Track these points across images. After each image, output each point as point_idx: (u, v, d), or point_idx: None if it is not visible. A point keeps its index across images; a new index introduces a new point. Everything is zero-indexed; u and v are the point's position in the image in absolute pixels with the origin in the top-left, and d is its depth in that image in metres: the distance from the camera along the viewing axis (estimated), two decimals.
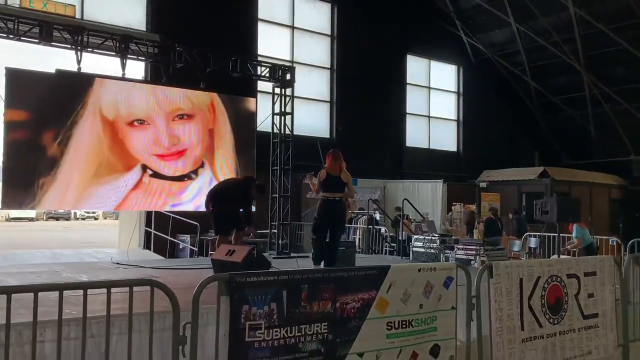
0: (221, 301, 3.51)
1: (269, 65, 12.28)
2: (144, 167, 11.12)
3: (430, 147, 22.37)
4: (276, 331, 3.69)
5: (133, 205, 11.48)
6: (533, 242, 12.34)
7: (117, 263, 9.25)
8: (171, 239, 14.04)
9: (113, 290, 3.48)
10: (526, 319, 5.03)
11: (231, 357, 3.50)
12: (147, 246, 14.32)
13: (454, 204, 18.33)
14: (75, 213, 49.11)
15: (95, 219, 52.15)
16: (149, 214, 14.11)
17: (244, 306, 3.56)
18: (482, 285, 4.81)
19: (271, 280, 3.72)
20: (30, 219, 44.85)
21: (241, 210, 8.68)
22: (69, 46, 9.42)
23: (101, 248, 15.85)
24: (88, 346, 3.49)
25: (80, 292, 3.36)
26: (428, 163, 21.45)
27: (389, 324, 4.23)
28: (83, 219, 51.44)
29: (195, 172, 11.85)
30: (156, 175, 11.29)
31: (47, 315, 3.54)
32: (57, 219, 48.05)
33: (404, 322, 4.30)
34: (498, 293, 4.84)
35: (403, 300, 4.31)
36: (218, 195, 8.57)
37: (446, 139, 23.13)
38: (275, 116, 12.54)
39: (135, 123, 10.97)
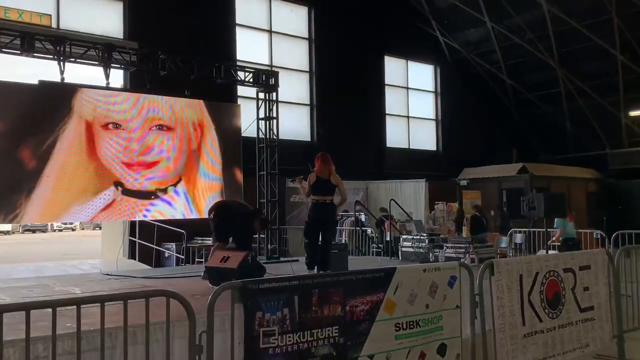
0: (235, 308, 3.51)
1: (253, 70, 12.28)
2: (117, 184, 10.83)
3: (410, 147, 22.55)
4: (289, 336, 3.70)
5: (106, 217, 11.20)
6: (518, 238, 12.52)
7: (107, 274, 9.15)
8: (157, 247, 13.94)
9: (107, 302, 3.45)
10: (527, 315, 5.11)
11: None
12: (132, 256, 14.19)
13: (436, 202, 18.48)
14: (51, 225, 48.37)
15: (73, 229, 51.48)
16: (132, 223, 13.98)
17: (257, 313, 3.57)
18: (484, 283, 4.88)
19: (283, 286, 3.74)
20: (6, 232, 44.09)
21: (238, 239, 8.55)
22: (51, 57, 9.31)
23: (85, 259, 15.64)
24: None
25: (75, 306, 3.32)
26: (409, 163, 21.63)
27: (397, 325, 4.27)
28: (60, 230, 50.72)
29: (165, 190, 11.46)
30: (126, 192, 10.92)
31: (41, 330, 3.50)
32: (34, 231, 47.33)
33: (411, 323, 4.34)
34: (500, 290, 4.91)
35: (410, 301, 4.35)
36: (221, 209, 8.51)
37: (426, 138, 23.35)
38: (260, 121, 12.53)
39: (110, 126, 10.73)
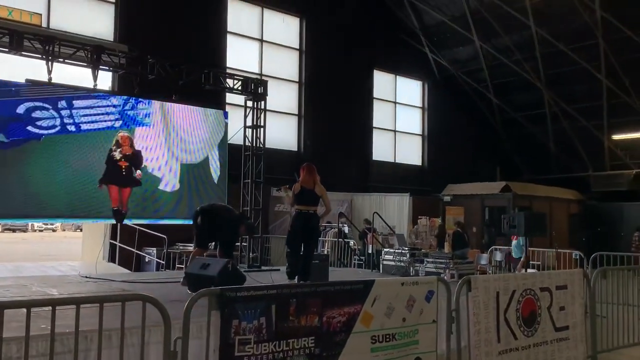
0: (212, 315, 3.51)
1: (242, 78, 12.30)
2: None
3: (396, 161, 22.66)
4: (265, 346, 3.72)
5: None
6: (499, 256, 12.61)
7: (86, 277, 9.07)
8: (137, 252, 13.85)
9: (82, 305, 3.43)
10: (502, 332, 5.16)
11: None
12: (112, 259, 14.08)
13: (419, 217, 18.58)
14: (32, 225, 47.78)
15: (54, 230, 50.87)
16: (114, 226, 13.89)
17: (234, 321, 3.58)
18: (461, 299, 4.92)
19: (261, 294, 3.75)
20: None
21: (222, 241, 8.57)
22: (40, 56, 9.26)
23: (64, 261, 15.50)
24: None
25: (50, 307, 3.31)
26: (394, 177, 21.73)
27: (374, 337, 4.29)
28: (41, 230, 50.09)
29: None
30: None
31: (20, 330, 3.47)
32: (14, 230, 46.68)
33: (387, 336, 4.37)
34: (476, 306, 4.96)
35: (387, 314, 4.38)
36: (209, 212, 8.50)
37: (411, 153, 23.48)
38: (247, 129, 12.54)
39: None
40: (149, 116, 11.26)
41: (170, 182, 11.74)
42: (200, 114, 12.21)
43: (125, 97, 11.02)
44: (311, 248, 8.50)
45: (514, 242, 10.80)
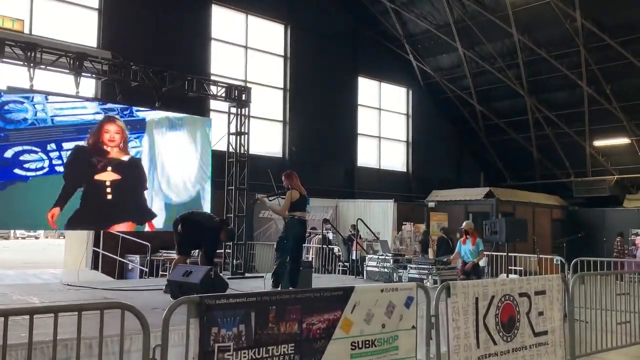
0: (190, 323, 3.52)
1: (225, 85, 12.32)
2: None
3: (381, 167, 22.76)
4: (244, 353, 3.73)
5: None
6: (482, 262, 12.65)
7: (68, 284, 9.02)
8: (120, 259, 13.78)
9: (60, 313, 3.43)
10: (481, 337, 5.21)
11: None
12: (95, 267, 14.00)
13: (404, 223, 18.67)
14: (14, 232, 47.29)
15: (36, 238, 50.39)
16: (97, 233, 13.81)
17: (213, 328, 3.59)
18: (440, 304, 4.97)
19: (240, 302, 3.76)
20: None
21: (204, 249, 8.57)
22: (22, 63, 9.21)
23: (46, 269, 15.36)
24: None
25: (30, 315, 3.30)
26: (378, 183, 21.84)
27: (353, 343, 4.32)
28: (23, 238, 49.60)
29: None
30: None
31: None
32: None
33: (367, 342, 4.40)
34: (455, 312, 5.00)
35: (366, 320, 4.42)
36: (189, 220, 8.50)
37: (396, 159, 23.62)
38: (230, 136, 12.54)
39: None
40: (140, 153, 11.10)
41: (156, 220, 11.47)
42: (191, 145, 11.98)
43: None
44: (301, 254, 8.56)
45: (466, 247, 10.31)
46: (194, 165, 12.10)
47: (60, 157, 9.88)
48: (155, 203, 11.37)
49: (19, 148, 9.46)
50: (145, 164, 11.18)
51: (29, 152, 9.56)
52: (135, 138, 10.96)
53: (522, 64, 20.82)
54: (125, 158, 10.84)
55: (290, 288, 7.96)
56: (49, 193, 9.81)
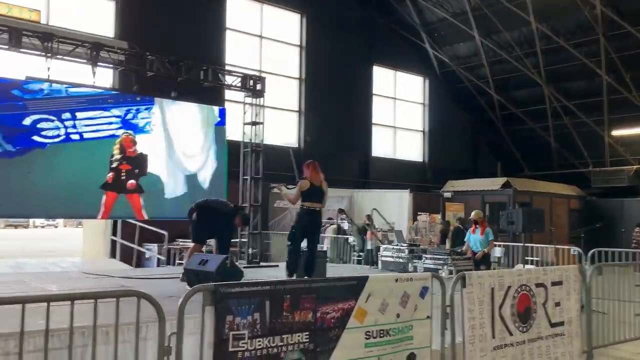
0: (206, 311, 3.54)
1: (240, 75, 12.32)
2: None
3: (396, 157, 22.67)
4: (259, 341, 3.74)
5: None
6: (498, 252, 12.60)
7: (86, 273, 9.13)
8: (138, 248, 13.90)
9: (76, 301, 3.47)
10: (497, 328, 5.18)
11: None
12: (112, 255, 14.15)
13: (419, 213, 18.60)
14: (33, 221, 47.94)
15: (55, 226, 51.03)
16: (114, 222, 13.95)
17: (227, 316, 3.60)
18: (456, 295, 4.95)
19: (255, 290, 3.78)
20: None
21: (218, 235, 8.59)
22: (39, 53, 9.29)
23: (65, 257, 15.57)
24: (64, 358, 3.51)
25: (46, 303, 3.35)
26: (394, 173, 21.75)
27: (368, 333, 4.32)
28: (42, 227, 50.27)
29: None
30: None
31: (15, 327, 3.45)
32: (16, 227, 46.85)
33: (381, 332, 4.40)
34: (471, 302, 4.98)
35: (381, 310, 4.41)
36: (204, 207, 8.54)
37: (412, 149, 23.50)
38: (245, 126, 12.56)
39: None
40: (149, 124, 11.63)
41: (176, 189, 12.08)
42: (197, 116, 12.48)
43: (127, 107, 11.29)
44: (316, 244, 8.57)
45: (476, 236, 10.16)
46: (200, 135, 12.53)
47: (74, 126, 10.51)
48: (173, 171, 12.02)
49: (37, 116, 10.06)
50: (158, 133, 11.78)
51: (46, 120, 10.16)
52: (145, 109, 11.54)
53: (540, 53, 20.55)
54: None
55: (306, 277, 7.99)
56: (66, 160, 10.40)
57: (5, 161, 9.78)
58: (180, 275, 7.96)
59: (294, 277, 8.09)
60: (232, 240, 9.19)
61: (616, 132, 21.91)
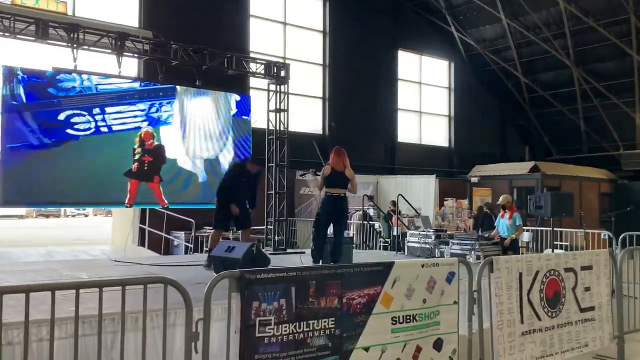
0: (232, 297, 3.57)
1: (264, 62, 12.32)
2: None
3: (422, 143, 22.51)
4: (285, 327, 3.76)
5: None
6: (526, 237, 12.46)
7: (115, 260, 9.27)
8: (166, 235, 14.07)
9: (105, 288, 3.52)
10: (525, 313, 5.13)
11: (242, 352, 3.57)
12: (141, 243, 14.35)
13: (446, 199, 18.45)
14: (65, 210, 48.84)
15: (85, 215, 51.89)
16: (142, 210, 14.14)
17: (254, 302, 3.62)
18: (483, 280, 4.91)
19: (280, 276, 3.79)
20: (20, 217, 44.54)
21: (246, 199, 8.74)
22: (65, 44, 9.40)
23: (95, 245, 15.83)
24: (94, 344, 3.57)
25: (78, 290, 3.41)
26: (420, 158, 21.60)
27: (394, 318, 4.31)
28: (73, 216, 51.17)
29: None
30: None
31: (47, 314, 3.50)
32: (47, 216, 47.78)
33: (408, 317, 4.38)
34: (498, 287, 4.93)
35: (407, 296, 4.39)
36: (220, 187, 8.68)
37: (438, 134, 23.31)
38: (270, 113, 12.58)
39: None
40: (172, 116, 12.34)
41: (198, 174, 12.78)
42: (212, 105, 12.98)
43: (150, 101, 12.03)
44: (342, 230, 8.54)
45: (504, 221, 10.00)
46: (215, 126, 13.05)
47: (104, 120, 11.43)
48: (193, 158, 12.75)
49: (70, 112, 11.03)
50: (177, 124, 12.46)
51: (78, 115, 11.07)
52: (167, 103, 12.25)
53: (568, 34, 20.14)
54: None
55: (332, 261, 8.00)
56: (97, 150, 11.36)
57: (42, 152, 10.68)
58: (204, 262, 8.03)
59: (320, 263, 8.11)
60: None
61: None
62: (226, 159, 13.00)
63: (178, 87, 12.23)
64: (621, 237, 10.77)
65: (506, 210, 9.99)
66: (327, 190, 8.22)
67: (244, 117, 13.18)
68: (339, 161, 8.17)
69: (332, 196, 8.18)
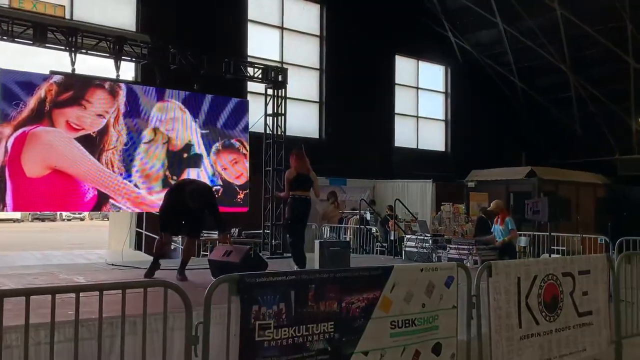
0: (232, 301, 3.57)
1: (262, 66, 12.34)
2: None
3: (419, 147, 22.54)
4: (285, 330, 3.77)
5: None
6: (523, 242, 12.49)
7: (112, 264, 9.25)
8: None
9: (105, 292, 3.51)
10: (524, 317, 5.15)
11: (242, 356, 3.58)
12: (138, 247, 14.30)
13: (442, 203, 18.42)
14: (61, 214, 48.72)
15: (82, 219, 51.79)
16: (139, 214, 14.09)
17: (253, 306, 3.63)
18: (481, 284, 4.92)
19: (280, 280, 3.80)
20: (15, 220, 44.43)
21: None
22: (63, 47, 9.40)
23: (92, 249, 15.80)
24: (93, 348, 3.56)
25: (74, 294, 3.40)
26: (416, 163, 21.61)
27: (393, 323, 4.32)
28: (69, 219, 51.06)
29: None
30: None
31: (45, 317, 3.51)
32: (43, 220, 47.68)
33: (407, 321, 4.39)
34: (497, 292, 4.95)
35: (406, 300, 4.40)
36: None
37: (434, 139, 23.33)
38: (267, 117, 12.59)
39: None
40: None
41: None
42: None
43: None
44: (304, 234, 8.62)
45: (497, 227, 10.02)
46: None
47: None
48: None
49: None
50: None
51: None
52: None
53: (564, 39, 20.20)
54: None
55: (301, 266, 7.97)
56: None
57: None
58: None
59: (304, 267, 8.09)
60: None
61: None
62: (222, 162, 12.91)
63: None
64: (618, 241, 10.80)
65: (499, 216, 10.02)
66: (293, 193, 8.22)
67: (241, 121, 13.10)
68: (303, 164, 8.20)
69: (300, 198, 8.22)
